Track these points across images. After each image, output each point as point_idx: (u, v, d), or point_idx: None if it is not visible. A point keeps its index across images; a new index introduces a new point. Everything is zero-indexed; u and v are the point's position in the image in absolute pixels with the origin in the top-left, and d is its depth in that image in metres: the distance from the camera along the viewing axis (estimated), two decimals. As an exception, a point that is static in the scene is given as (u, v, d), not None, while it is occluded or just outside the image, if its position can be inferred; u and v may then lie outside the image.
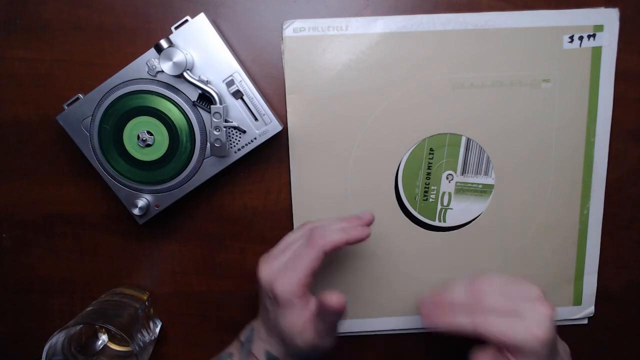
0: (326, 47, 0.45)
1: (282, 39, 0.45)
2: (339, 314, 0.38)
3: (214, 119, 0.42)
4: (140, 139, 0.43)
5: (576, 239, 0.49)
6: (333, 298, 0.37)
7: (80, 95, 0.43)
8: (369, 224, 0.42)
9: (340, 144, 0.47)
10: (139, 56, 0.42)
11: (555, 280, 0.49)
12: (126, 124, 0.43)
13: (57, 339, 0.42)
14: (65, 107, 0.43)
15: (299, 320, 0.38)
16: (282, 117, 0.47)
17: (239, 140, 0.44)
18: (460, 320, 0.38)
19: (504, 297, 0.38)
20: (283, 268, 0.39)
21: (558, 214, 0.48)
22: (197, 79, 0.42)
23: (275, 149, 0.47)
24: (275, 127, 0.44)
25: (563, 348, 0.42)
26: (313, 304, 0.39)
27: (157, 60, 0.42)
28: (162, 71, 0.41)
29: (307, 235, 0.40)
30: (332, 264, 0.49)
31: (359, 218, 0.42)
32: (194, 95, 0.43)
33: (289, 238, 0.42)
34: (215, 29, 0.42)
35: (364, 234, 0.40)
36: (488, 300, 0.38)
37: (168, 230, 0.49)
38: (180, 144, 0.43)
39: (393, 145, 0.47)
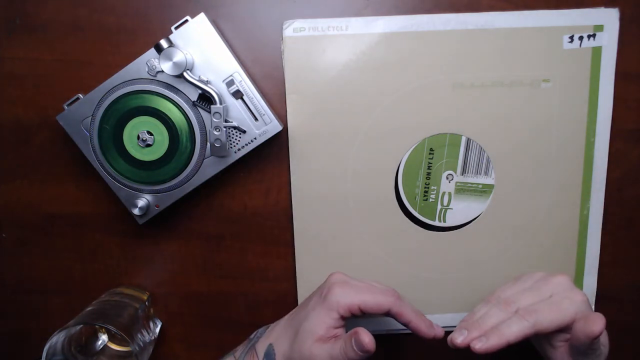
0: (326, 47, 0.45)
1: (282, 39, 0.45)
2: (365, 355, 0.37)
3: (214, 119, 0.42)
4: (140, 139, 0.43)
5: (576, 239, 0.49)
6: (366, 338, 0.36)
7: (80, 95, 0.43)
8: (439, 328, 0.41)
9: (340, 143, 0.47)
10: (139, 56, 0.42)
11: (555, 280, 0.50)
12: (126, 124, 0.43)
13: (57, 339, 0.42)
14: (65, 107, 0.43)
15: (321, 328, 0.39)
16: (282, 117, 0.47)
17: (239, 140, 0.44)
18: (513, 329, 0.38)
19: (530, 292, 0.41)
20: (354, 285, 0.41)
21: (558, 214, 0.48)
22: (197, 79, 0.42)
23: (275, 149, 0.47)
24: (275, 127, 0.44)
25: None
26: (342, 331, 0.39)
27: (157, 60, 0.42)
28: (162, 71, 0.41)
29: (392, 290, 0.41)
30: (334, 264, 0.49)
31: (429, 326, 0.41)
32: (194, 95, 0.43)
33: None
34: (215, 29, 0.42)
35: (428, 333, 0.40)
36: (522, 302, 0.40)
37: (168, 230, 0.49)
38: (180, 144, 0.43)
39: (393, 145, 0.47)
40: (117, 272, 0.49)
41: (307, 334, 0.39)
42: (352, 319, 0.40)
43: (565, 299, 0.39)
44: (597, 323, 0.36)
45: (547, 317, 0.38)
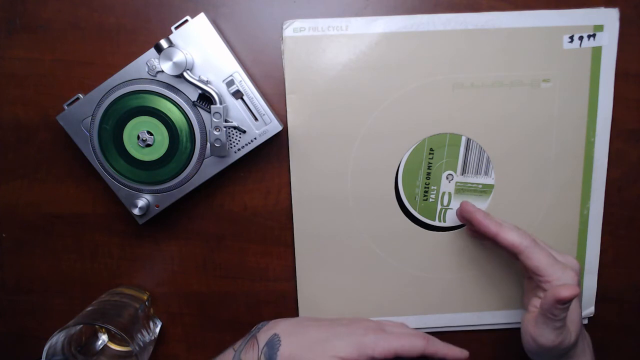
0: (326, 47, 0.45)
1: (282, 39, 0.45)
2: None
3: (214, 119, 0.42)
4: (140, 139, 0.43)
5: (576, 239, 0.49)
6: None
7: (80, 95, 0.43)
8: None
9: (340, 143, 0.47)
10: (139, 56, 0.42)
11: (555, 280, 0.50)
12: (126, 124, 0.43)
13: (57, 339, 0.42)
14: (65, 107, 0.43)
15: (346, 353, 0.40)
16: (282, 117, 0.47)
17: (239, 140, 0.44)
18: (510, 235, 0.41)
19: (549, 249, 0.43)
20: (389, 330, 0.43)
21: (558, 214, 0.48)
22: (197, 79, 0.42)
23: (275, 149, 0.47)
24: (275, 127, 0.44)
25: (587, 342, 0.45)
26: None
27: (157, 60, 0.42)
28: (162, 71, 0.41)
29: (421, 333, 0.43)
30: (333, 264, 0.49)
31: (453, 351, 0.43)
32: (194, 95, 0.43)
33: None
34: (215, 29, 0.42)
35: None
36: (539, 244, 0.42)
37: (168, 230, 0.49)
38: (180, 144, 0.43)
39: (393, 145, 0.47)
40: (117, 272, 0.49)
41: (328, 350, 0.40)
42: None
43: (564, 267, 0.40)
44: (567, 289, 0.37)
45: (539, 256, 0.40)
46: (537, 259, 0.40)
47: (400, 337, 0.41)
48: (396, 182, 0.48)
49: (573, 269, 0.40)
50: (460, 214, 0.46)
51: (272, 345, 0.40)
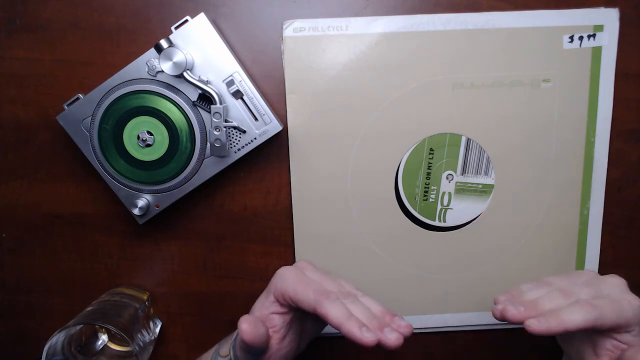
0: (326, 47, 0.45)
1: (282, 39, 0.45)
2: (248, 345, 0.35)
3: (214, 119, 0.42)
4: (140, 139, 0.43)
5: (576, 239, 0.49)
6: (243, 325, 0.35)
7: (80, 95, 0.43)
8: (392, 333, 0.34)
9: (340, 143, 0.47)
10: (139, 56, 0.42)
11: (555, 280, 0.49)
12: (126, 124, 0.43)
13: (57, 339, 0.42)
14: (65, 107, 0.43)
15: (258, 309, 0.40)
16: (282, 117, 0.47)
17: (239, 140, 0.44)
18: (576, 317, 0.36)
19: (587, 287, 0.39)
20: (300, 275, 0.39)
21: (558, 214, 0.48)
22: (197, 79, 0.42)
23: (275, 149, 0.47)
24: (275, 127, 0.44)
25: None
26: (279, 319, 0.39)
27: (157, 60, 0.42)
28: (162, 71, 0.41)
29: (333, 287, 0.38)
30: (333, 264, 0.49)
31: (391, 318, 0.36)
32: (194, 95, 0.43)
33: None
34: (215, 29, 0.42)
35: (363, 339, 0.33)
36: (582, 294, 0.38)
37: (168, 230, 0.49)
38: (180, 144, 0.43)
39: (393, 145, 0.47)
40: (117, 272, 0.49)
41: (252, 312, 0.40)
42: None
43: (624, 300, 0.38)
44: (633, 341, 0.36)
45: (609, 313, 0.36)
46: (610, 320, 0.36)
47: (301, 283, 0.37)
48: (396, 182, 0.48)
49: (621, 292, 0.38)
50: (501, 318, 0.37)
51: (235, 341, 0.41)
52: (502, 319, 0.37)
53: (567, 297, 0.38)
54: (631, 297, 0.38)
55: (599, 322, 0.36)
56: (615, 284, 0.39)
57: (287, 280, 0.38)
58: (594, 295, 0.38)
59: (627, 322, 0.37)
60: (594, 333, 0.38)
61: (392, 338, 0.33)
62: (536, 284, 0.40)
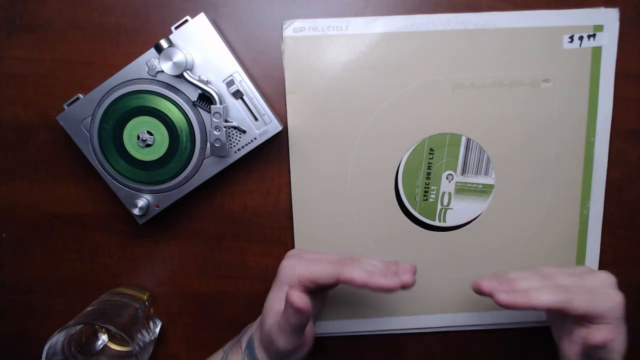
0: (326, 47, 0.45)
1: (282, 39, 0.45)
2: (301, 315, 0.36)
3: (214, 119, 0.42)
4: (140, 139, 0.43)
5: (576, 239, 0.49)
6: (294, 296, 0.35)
7: (80, 95, 0.43)
8: (407, 274, 0.38)
9: (340, 143, 0.47)
10: (139, 56, 0.42)
11: (555, 280, 0.49)
12: (126, 124, 0.43)
13: (57, 339, 0.42)
14: (65, 107, 0.43)
15: (276, 305, 0.40)
16: (282, 117, 0.47)
17: (239, 140, 0.44)
18: (543, 297, 0.37)
19: (571, 276, 0.40)
20: (305, 258, 0.41)
21: (558, 214, 0.48)
22: (197, 79, 0.42)
23: (275, 149, 0.47)
24: (275, 127, 0.44)
25: None
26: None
27: (157, 60, 0.42)
28: (162, 71, 0.41)
29: (340, 257, 0.41)
30: (332, 264, 0.49)
31: (397, 265, 0.39)
32: (194, 95, 0.43)
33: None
34: (215, 29, 0.42)
35: (390, 284, 0.37)
36: (561, 280, 0.39)
37: (168, 230, 0.49)
38: (180, 144, 0.43)
39: (393, 145, 0.47)
40: (117, 272, 0.49)
41: (268, 312, 0.40)
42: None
43: (604, 294, 0.38)
44: (600, 333, 0.36)
45: (580, 300, 0.37)
46: (580, 306, 0.37)
47: (312, 263, 0.39)
48: (396, 182, 0.48)
49: (606, 285, 0.39)
50: (477, 291, 0.40)
51: (250, 347, 0.41)
52: (477, 290, 0.40)
53: (545, 280, 0.39)
54: (614, 292, 0.39)
55: (567, 306, 0.37)
56: (602, 279, 0.40)
57: (297, 267, 0.40)
58: (574, 284, 0.39)
59: (601, 314, 0.37)
60: (574, 323, 0.39)
61: (408, 278, 0.38)
62: (527, 272, 0.41)
